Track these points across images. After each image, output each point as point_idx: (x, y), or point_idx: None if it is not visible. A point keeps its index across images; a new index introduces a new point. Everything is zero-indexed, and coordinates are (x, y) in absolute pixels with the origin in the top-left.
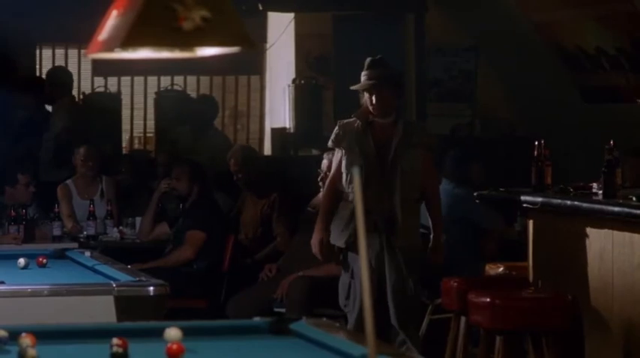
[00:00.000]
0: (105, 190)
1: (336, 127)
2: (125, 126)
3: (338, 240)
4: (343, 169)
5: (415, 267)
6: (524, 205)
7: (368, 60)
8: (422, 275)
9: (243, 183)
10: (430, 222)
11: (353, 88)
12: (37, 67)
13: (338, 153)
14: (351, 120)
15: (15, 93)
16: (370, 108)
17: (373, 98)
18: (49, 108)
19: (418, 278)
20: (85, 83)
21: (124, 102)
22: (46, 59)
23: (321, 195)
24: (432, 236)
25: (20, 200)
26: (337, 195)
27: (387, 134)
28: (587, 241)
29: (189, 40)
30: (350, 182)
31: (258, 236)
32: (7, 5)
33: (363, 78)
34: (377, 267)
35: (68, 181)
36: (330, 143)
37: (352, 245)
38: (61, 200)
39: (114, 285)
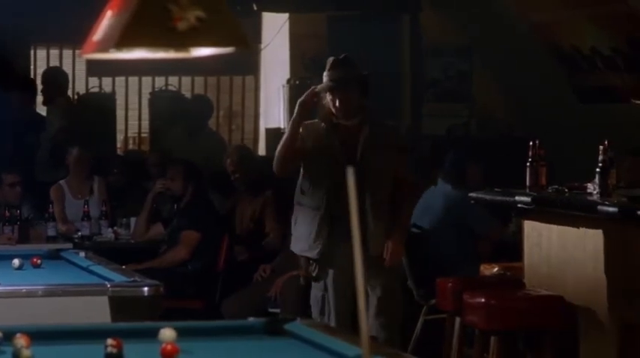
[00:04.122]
0: (97, 190)
1: (300, 129)
2: (120, 126)
3: (309, 251)
4: (305, 172)
5: (393, 275)
6: (519, 206)
7: (330, 59)
8: (417, 275)
9: (240, 182)
10: (395, 223)
11: (315, 89)
12: (32, 67)
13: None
14: (315, 121)
15: (9, 93)
16: (333, 110)
17: (336, 100)
18: (44, 108)
19: (395, 285)
20: (79, 83)
21: (118, 102)
22: (41, 59)
23: None
24: (392, 237)
25: (7, 199)
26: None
27: (354, 136)
28: (582, 241)
29: (184, 41)
30: (313, 186)
31: (249, 234)
32: (1, 6)
33: (325, 78)
34: (351, 277)
35: (61, 182)
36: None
37: (324, 256)
38: (54, 201)
39: (108, 286)
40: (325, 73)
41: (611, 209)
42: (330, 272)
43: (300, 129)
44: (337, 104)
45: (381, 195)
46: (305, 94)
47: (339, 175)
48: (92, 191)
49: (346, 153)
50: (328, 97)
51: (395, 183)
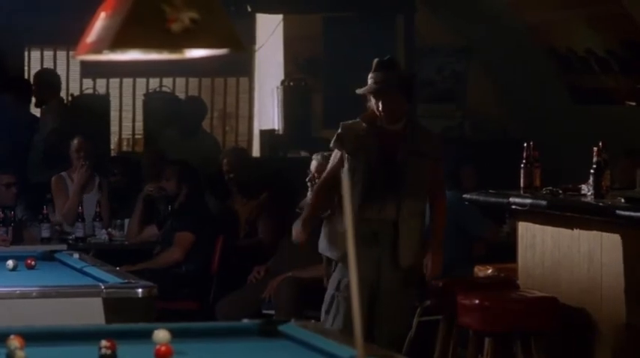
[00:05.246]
0: (98, 189)
1: (339, 128)
2: (114, 127)
3: (330, 251)
4: (345, 174)
5: (412, 284)
6: (513, 207)
7: (375, 61)
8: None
9: (233, 183)
10: (432, 234)
11: (359, 91)
12: (26, 68)
13: (336, 154)
14: (356, 121)
15: (2, 94)
16: (377, 113)
17: (380, 103)
18: (37, 110)
19: (413, 296)
20: (73, 85)
21: (112, 103)
22: (35, 61)
23: (309, 196)
24: (431, 248)
25: (2, 200)
26: (328, 197)
27: (396, 141)
28: (576, 242)
29: (178, 42)
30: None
31: (244, 236)
32: None
33: (369, 81)
34: (370, 283)
35: (63, 173)
36: (332, 144)
37: (346, 258)
38: (56, 192)
39: (102, 287)
40: (370, 75)
41: (605, 210)
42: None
43: (340, 129)
44: (381, 108)
45: (417, 204)
46: (298, 231)
47: (374, 180)
48: (99, 186)
49: (385, 157)
50: (372, 100)
51: (431, 193)
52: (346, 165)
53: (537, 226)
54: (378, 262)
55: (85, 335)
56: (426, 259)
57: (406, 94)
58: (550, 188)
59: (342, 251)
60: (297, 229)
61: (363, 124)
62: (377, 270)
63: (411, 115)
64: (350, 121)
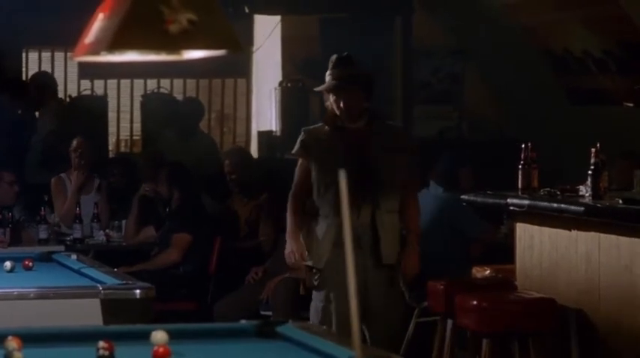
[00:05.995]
0: (97, 190)
1: (301, 134)
2: (112, 128)
3: (314, 260)
4: (314, 181)
5: (398, 280)
6: (511, 208)
7: (333, 57)
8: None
9: (234, 183)
10: (406, 232)
11: (317, 89)
12: (24, 70)
13: (302, 163)
14: (317, 125)
15: (1, 95)
16: (337, 111)
17: (340, 101)
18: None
19: (400, 292)
20: (71, 86)
21: (110, 104)
22: (32, 62)
23: None
24: (407, 246)
25: (4, 200)
26: (303, 208)
27: (362, 139)
28: (574, 244)
29: (175, 43)
30: (320, 195)
31: (243, 236)
32: None
33: (327, 78)
34: (358, 286)
35: (63, 174)
36: (295, 151)
37: (329, 265)
38: (55, 193)
39: (100, 288)
40: (328, 72)
41: (603, 211)
42: (335, 281)
43: (302, 135)
44: (342, 105)
45: (393, 201)
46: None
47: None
48: (99, 186)
49: (355, 158)
50: (332, 98)
51: (403, 187)
52: (314, 174)
53: (535, 227)
54: (362, 264)
55: (83, 337)
56: (404, 258)
57: (365, 91)
58: (548, 189)
59: (323, 258)
60: (289, 247)
61: (326, 127)
62: (362, 272)
63: (374, 112)
64: (312, 126)
